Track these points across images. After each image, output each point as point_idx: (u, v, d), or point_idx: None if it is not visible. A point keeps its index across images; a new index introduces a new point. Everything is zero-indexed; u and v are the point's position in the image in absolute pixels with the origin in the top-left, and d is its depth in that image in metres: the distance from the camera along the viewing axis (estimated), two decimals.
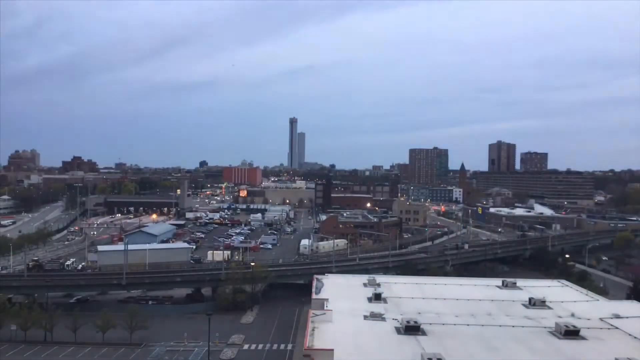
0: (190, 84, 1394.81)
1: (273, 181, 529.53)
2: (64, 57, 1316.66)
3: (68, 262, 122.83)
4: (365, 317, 51.20)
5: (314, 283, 67.66)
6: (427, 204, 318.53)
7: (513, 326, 49.30)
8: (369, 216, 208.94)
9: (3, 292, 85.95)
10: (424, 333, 46.40)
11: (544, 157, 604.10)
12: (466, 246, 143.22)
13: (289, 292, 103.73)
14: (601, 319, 51.99)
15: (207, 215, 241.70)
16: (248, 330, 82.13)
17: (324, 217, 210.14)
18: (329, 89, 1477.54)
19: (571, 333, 46.23)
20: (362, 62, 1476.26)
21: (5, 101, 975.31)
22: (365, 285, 68.38)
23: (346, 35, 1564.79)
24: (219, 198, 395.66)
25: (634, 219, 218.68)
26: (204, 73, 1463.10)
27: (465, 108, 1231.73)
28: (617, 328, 49.00)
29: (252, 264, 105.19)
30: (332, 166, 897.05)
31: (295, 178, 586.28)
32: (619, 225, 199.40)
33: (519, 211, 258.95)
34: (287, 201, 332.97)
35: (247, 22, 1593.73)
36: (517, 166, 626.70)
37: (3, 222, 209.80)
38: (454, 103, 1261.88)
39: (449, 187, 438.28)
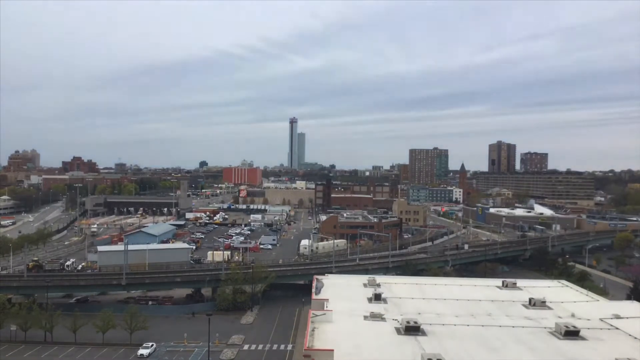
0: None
1: (273, 181, 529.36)
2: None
3: (68, 262, 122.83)
4: (365, 318, 51.15)
5: (314, 283, 67.56)
6: (427, 204, 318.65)
7: (513, 326, 49.26)
8: (369, 216, 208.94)
9: (3, 292, 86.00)
10: (424, 333, 46.37)
11: (544, 157, 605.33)
12: (466, 246, 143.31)
13: (289, 292, 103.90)
14: (601, 320, 51.95)
15: (206, 216, 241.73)
16: (248, 330, 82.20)
17: (324, 217, 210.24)
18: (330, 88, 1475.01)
19: (571, 333, 46.21)
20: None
21: (5, 101, 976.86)
22: (365, 285, 68.29)
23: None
24: (219, 198, 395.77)
25: (634, 219, 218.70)
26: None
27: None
28: (617, 328, 48.97)
29: (252, 264, 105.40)
30: (332, 166, 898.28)
31: (295, 178, 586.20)
32: (619, 225, 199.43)
33: (519, 211, 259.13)
34: (288, 201, 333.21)
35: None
36: (517, 166, 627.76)
37: (3, 222, 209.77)
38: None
39: (449, 187, 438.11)
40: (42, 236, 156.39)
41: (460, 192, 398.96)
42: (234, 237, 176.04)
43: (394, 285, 69.60)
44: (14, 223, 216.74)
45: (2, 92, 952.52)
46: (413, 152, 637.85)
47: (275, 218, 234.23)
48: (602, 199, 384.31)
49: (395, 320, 49.87)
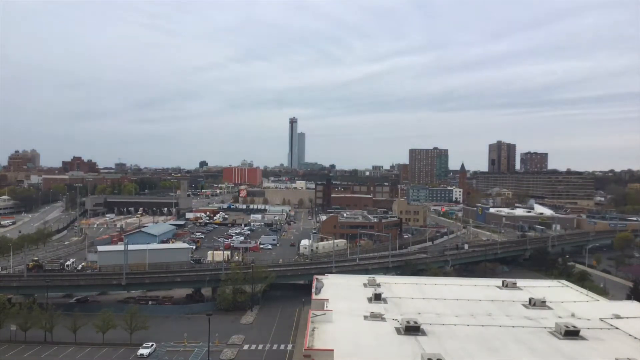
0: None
1: (273, 181, 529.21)
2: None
3: (68, 262, 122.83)
4: (365, 318, 51.20)
5: (314, 283, 67.62)
6: (427, 204, 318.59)
7: (513, 326, 49.29)
8: (369, 216, 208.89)
9: (3, 292, 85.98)
10: (424, 333, 46.40)
11: (544, 157, 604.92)
12: (466, 246, 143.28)
13: (289, 292, 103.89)
14: (601, 319, 51.99)
15: (206, 215, 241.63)
16: (248, 330, 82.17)
17: (324, 217, 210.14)
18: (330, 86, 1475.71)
19: (571, 333, 46.25)
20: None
21: (5, 101, 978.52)
22: (365, 285, 68.34)
23: None
24: (219, 198, 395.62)
25: (634, 219, 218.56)
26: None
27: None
28: (617, 328, 49.01)
29: (252, 264, 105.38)
30: (332, 166, 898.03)
31: (295, 178, 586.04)
32: (619, 225, 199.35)
33: (519, 211, 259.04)
34: (288, 201, 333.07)
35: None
36: (517, 166, 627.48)
37: (3, 222, 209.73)
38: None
39: (449, 187, 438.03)
40: (42, 236, 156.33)
41: (460, 192, 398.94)
42: (234, 237, 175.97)
43: (394, 285, 69.65)
44: (14, 223, 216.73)
45: (2, 91, 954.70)
46: (413, 152, 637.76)
47: (275, 218, 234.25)
48: (602, 199, 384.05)
49: (395, 320, 49.89)
